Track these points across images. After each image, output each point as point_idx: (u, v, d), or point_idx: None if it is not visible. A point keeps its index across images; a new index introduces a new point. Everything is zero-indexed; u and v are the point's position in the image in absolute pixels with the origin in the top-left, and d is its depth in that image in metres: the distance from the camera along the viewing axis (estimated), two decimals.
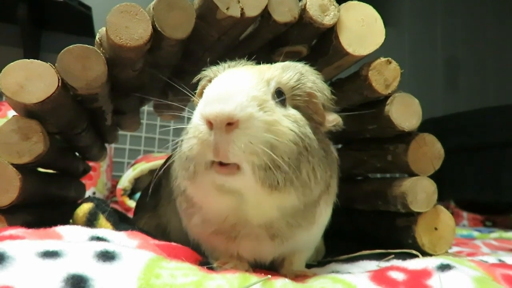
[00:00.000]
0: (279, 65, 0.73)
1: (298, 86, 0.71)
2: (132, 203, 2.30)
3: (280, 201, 0.67)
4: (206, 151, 0.61)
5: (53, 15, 2.59)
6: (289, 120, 0.66)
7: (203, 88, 0.75)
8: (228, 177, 0.62)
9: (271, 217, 0.69)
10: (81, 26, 2.53)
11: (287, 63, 0.75)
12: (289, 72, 0.72)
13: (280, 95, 0.69)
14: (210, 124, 0.60)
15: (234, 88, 0.63)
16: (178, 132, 0.73)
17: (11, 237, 0.62)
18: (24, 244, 0.56)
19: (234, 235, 0.72)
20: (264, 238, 0.71)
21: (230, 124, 0.60)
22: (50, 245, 0.57)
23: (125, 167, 2.85)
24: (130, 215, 1.45)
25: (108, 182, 2.53)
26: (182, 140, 0.68)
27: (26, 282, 0.48)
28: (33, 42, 2.57)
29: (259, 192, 0.64)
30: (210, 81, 0.75)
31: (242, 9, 0.82)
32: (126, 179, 2.41)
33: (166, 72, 1.05)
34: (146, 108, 2.75)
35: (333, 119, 0.74)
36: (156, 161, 2.40)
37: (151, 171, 2.37)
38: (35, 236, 0.66)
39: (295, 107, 0.71)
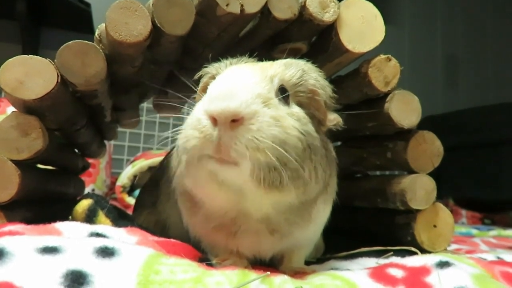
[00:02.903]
0: (281, 62, 0.73)
1: (301, 83, 0.72)
2: (131, 200, 2.30)
3: (276, 200, 0.67)
4: (207, 146, 0.61)
5: (52, 11, 2.58)
6: (292, 118, 0.66)
7: (206, 85, 0.75)
8: (222, 166, 0.62)
9: (267, 213, 0.70)
10: (80, 22, 2.52)
11: (289, 60, 0.75)
12: (291, 69, 0.72)
13: (283, 92, 0.69)
14: (214, 120, 0.60)
15: (238, 85, 0.63)
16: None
17: (11, 233, 0.62)
18: (24, 240, 0.56)
19: (234, 230, 0.71)
20: (264, 233, 0.71)
21: (235, 121, 0.59)
22: (49, 241, 0.57)
23: (124, 164, 2.85)
24: (129, 212, 1.45)
25: (107, 179, 2.53)
26: (176, 131, 0.67)
27: (25, 278, 0.49)
28: (32, 38, 2.56)
29: (253, 189, 0.63)
30: (212, 78, 0.75)
31: (242, 5, 0.82)
32: (125, 176, 2.41)
33: (165, 68, 1.05)
34: (146, 105, 2.75)
35: (333, 118, 0.74)
36: (155, 158, 2.40)
37: (151, 168, 2.36)
38: (34, 232, 0.66)
39: (298, 104, 0.71)
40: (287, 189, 0.64)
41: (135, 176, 2.40)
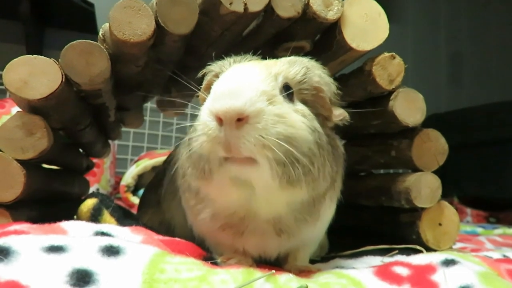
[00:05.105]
0: (285, 60, 0.73)
1: (305, 80, 0.71)
2: (135, 200, 2.31)
3: (291, 196, 0.67)
4: (217, 148, 0.61)
5: (56, 11, 2.59)
6: (297, 115, 0.66)
7: (209, 83, 0.75)
8: (244, 167, 0.62)
9: (280, 212, 0.69)
10: (84, 22, 2.53)
11: (292, 58, 0.74)
12: (295, 66, 0.72)
13: (287, 90, 0.69)
14: (219, 120, 0.60)
15: (243, 83, 0.62)
16: (181, 128, 0.73)
17: (16, 232, 0.62)
18: (29, 239, 0.56)
19: (241, 230, 0.71)
20: (271, 234, 0.71)
21: (240, 120, 0.59)
22: (55, 240, 0.57)
23: (128, 164, 2.85)
24: (134, 211, 1.46)
25: (111, 179, 2.53)
26: (189, 138, 0.67)
27: (31, 276, 0.49)
28: (35, 39, 2.56)
29: (272, 187, 0.63)
30: (216, 76, 0.75)
31: (245, 4, 0.82)
32: (129, 176, 2.41)
33: (169, 68, 1.05)
34: (149, 105, 2.75)
35: (339, 114, 0.74)
36: (159, 158, 2.40)
37: (154, 168, 2.37)
38: (39, 231, 0.66)
39: (303, 101, 0.71)
40: (299, 185, 0.64)
41: (139, 176, 2.40)
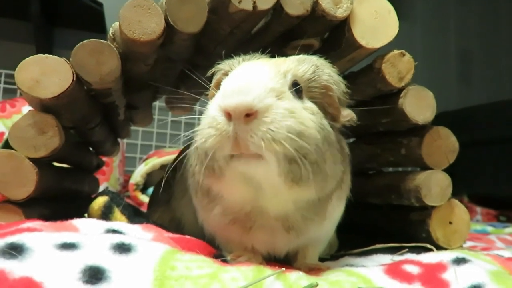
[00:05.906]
0: (294, 58, 0.73)
1: (314, 78, 0.71)
2: (144, 198, 2.32)
3: (298, 195, 0.67)
4: (225, 143, 0.61)
5: (65, 11, 2.62)
6: (307, 112, 0.66)
7: (219, 81, 0.75)
8: (250, 163, 0.62)
9: (286, 210, 0.69)
10: (93, 22, 2.55)
11: (302, 56, 0.75)
12: (304, 64, 0.72)
13: (296, 87, 0.69)
14: (228, 115, 0.60)
15: (252, 80, 0.63)
16: (190, 127, 0.73)
17: (29, 230, 0.63)
18: (42, 236, 0.57)
19: (249, 225, 0.71)
20: (279, 230, 0.71)
21: (249, 116, 0.59)
22: (67, 237, 0.57)
23: (137, 162, 2.87)
24: (143, 209, 1.47)
25: (120, 177, 2.55)
26: (195, 131, 0.68)
27: (44, 273, 0.49)
28: (45, 38, 2.59)
29: (278, 185, 0.63)
30: (225, 74, 0.75)
31: (254, 2, 0.82)
32: (138, 174, 2.43)
33: (178, 66, 1.05)
34: (158, 104, 2.76)
35: (347, 114, 0.74)
36: (167, 156, 2.42)
37: (163, 166, 2.38)
38: (52, 228, 0.67)
39: (311, 99, 0.71)
40: (307, 184, 0.64)
41: (148, 174, 2.42)
